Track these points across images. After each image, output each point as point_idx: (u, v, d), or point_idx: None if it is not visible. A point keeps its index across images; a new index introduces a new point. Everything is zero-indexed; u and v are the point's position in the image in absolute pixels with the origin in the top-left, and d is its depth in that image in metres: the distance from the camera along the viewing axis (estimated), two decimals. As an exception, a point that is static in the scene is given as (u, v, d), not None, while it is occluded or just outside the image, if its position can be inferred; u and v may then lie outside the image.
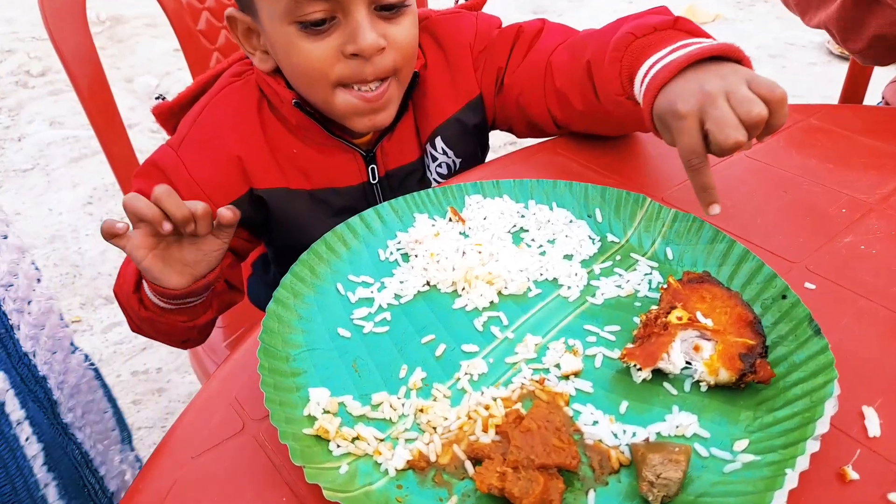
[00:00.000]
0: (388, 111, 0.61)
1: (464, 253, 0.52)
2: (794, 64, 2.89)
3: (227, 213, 0.52)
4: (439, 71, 0.68)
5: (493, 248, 0.53)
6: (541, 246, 0.54)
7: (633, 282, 0.51)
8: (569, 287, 0.50)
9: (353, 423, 0.40)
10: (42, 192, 2.23)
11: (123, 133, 0.86)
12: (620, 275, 0.52)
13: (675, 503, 0.35)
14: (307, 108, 0.61)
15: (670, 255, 0.53)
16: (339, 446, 0.39)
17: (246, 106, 0.64)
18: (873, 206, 0.59)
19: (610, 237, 0.55)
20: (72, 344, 0.61)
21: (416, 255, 0.53)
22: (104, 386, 0.64)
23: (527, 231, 0.56)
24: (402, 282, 0.51)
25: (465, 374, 0.44)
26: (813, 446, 0.36)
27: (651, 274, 0.51)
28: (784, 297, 0.46)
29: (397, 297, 0.50)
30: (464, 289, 0.50)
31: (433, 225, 0.56)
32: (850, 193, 0.61)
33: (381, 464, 0.38)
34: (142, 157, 0.91)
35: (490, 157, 0.73)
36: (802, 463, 0.35)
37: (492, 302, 0.49)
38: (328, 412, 0.41)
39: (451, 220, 0.57)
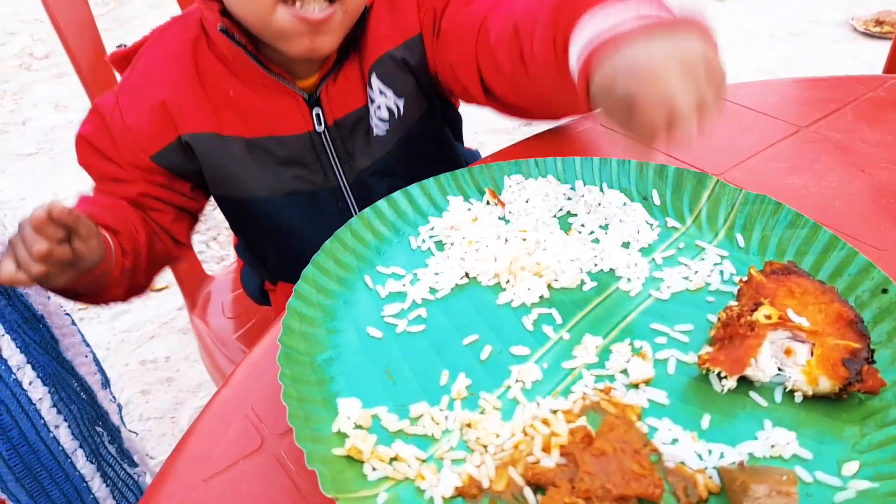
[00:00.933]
0: (330, 37, 0.54)
1: (506, 241, 0.46)
2: (815, 42, 2.80)
3: (55, 209, 0.45)
4: (383, 9, 0.61)
5: (539, 236, 0.47)
6: (592, 232, 0.48)
7: (703, 273, 0.44)
8: (629, 279, 0.44)
9: (389, 441, 0.35)
10: (46, 175, 2.19)
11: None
12: (686, 265, 0.45)
13: (781, 542, 0.29)
14: (236, 37, 0.55)
15: (741, 243, 0.46)
16: (374, 469, 0.33)
17: (180, 46, 0.59)
18: (965, 185, 0.53)
19: (670, 222, 0.49)
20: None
21: (451, 244, 0.47)
22: (79, 331, 0.64)
23: (575, 216, 0.50)
24: (437, 273, 0.45)
25: (517, 381, 0.38)
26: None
27: (721, 264, 0.45)
28: (885, 290, 0.39)
29: (433, 290, 0.44)
30: (508, 282, 0.44)
31: (469, 209, 0.49)
32: (935, 172, 0.55)
33: (424, 490, 0.32)
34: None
35: (506, 138, 0.66)
36: (939, 495, 0.29)
37: (541, 297, 0.43)
38: (360, 427, 0.35)
39: (489, 203, 0.51)
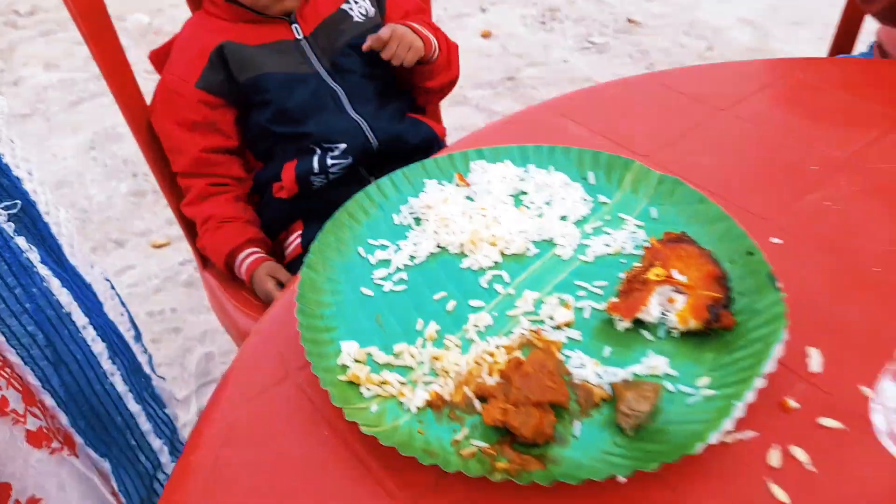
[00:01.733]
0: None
1: (470, 217, 0.59)
2: (797, -13, 2.83)
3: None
4: None
5: (497, 212, 0.59)
6: (539, 208, 0.61)
7: (620, 240, 0.57)
8: (563, 246, 0.57)
9: (379, 370, 0.48)
10: (44, 137, 2.25)
11: (130, 74, 0.91)
12: (609, 234, 0.58)
13: (646, 430, 0.43)
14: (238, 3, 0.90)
15: (655, 215, 0.59)
16: (368, 390, 0.47)
17: (197, 23, 0.94)
18: (843, 163, 0.65)
19: (601, 198, 0.61)
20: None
21: (427, 220, 0.59)
22: (117, 294, 0.78)
23: (526, 194, 0.62)
24: (415, 244, 0.58)
25: (473, 326, 0.51)
26: (760, 382, 0.44)
27: (636, 233, 0.58)
28: (750, 253, 0.53)
29: (412, 258, 0.57)
30: (471, 250, 0.57)
31: (442, 190, 0.62)
32: (824, 150, 0.67)
33: (404, 403, 0.46)
34: (146, 98, 0.96)
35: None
36: (750, 396, 0.43)
37: (495, 262, 0.56)
38: (358, 361, 0.48)
39: (458, 184, 0.63)
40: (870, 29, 1.17)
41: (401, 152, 0.93)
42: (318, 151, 0.90)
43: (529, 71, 2.46)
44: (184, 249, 1.81)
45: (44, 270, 0.57)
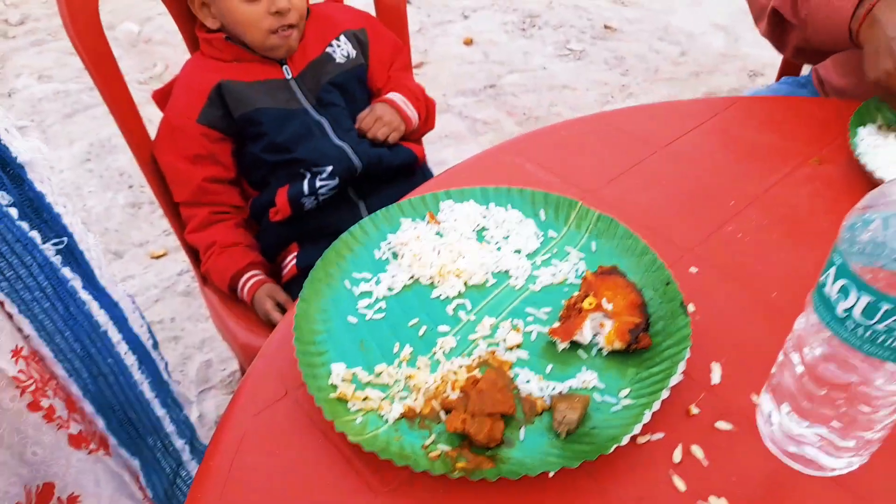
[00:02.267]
0: (293, 41, 1.03)
1: (439, 252, 0.69)
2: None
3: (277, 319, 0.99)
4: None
5: (461, 247, 0.70)
6: (498, 242, 0.71)
7: (564, 271, 0.68)
8: (516, 277, 0.68)
9: (363, 388, 0.59)
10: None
11: (124, 86, 0.99)
12: (555, 265, 0.69)
13: (576, 434, 0.54)
14: (234, 40, 1.01)
15: (594, 248, 0.70)
16: (354, 404, 0.57)
17: (199, 62, 1.04)
18: (756, 197, 0.76)
19: (551, 233, 0.72)
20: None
21: (402, 255, 0.70)
22: (137, 308, 0.87)
23: (487, 230, 0.73)
24: (393, 276, 0.68)
25: (440, 348, 0.62)
26: (665, 393, 0.55)
27: (578, 265, 0.69)
28: (668, 283, 0.64)
29: (390, 289, 0.67)
30: (439, 281, 0.68)
31: (415, 228, 0.72)
32: (743, 185, 0.78)
33: (383, 416, 0.57)
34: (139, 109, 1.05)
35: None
36: (656, 405, 0.54)
37: (459, 291, 0.67)
38: (345, 380, 0.59)
39: (429, 223, 0.73)
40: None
41: (384, 174, 1.04)
42: (308, 175, 1.00)
43: (510, 78, 2.55)
44: (180, 260, 1.90)
45: (85, 295, 0.68)
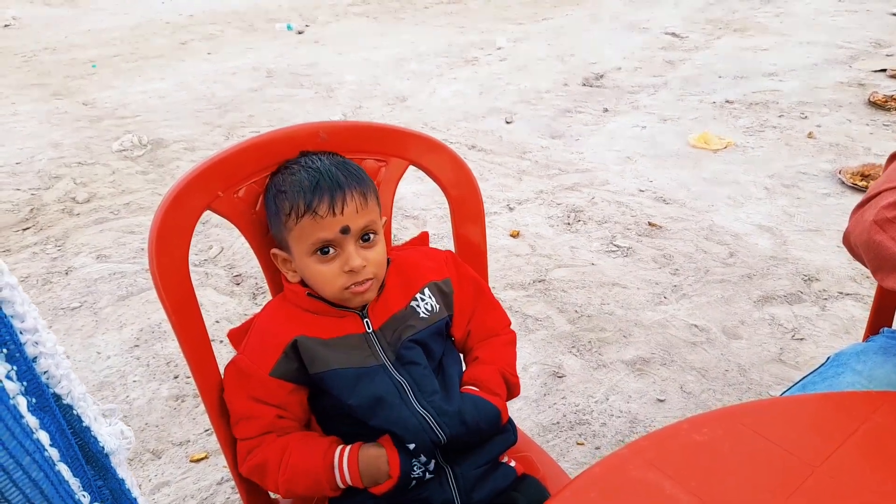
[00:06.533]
0: (370, 294, 0.95)
1: None
2: (807, 195, 3.00)
3: None
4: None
5: None
6: None
7: None
8: None
9: None
10: (90, 333, 2.29)
11: (205, 337, 0.95)
12: None
13: None
14: (315, 295, 0.95)
15: None
16: None
17: (279, 308, 0.99)
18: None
19: None
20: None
21: None
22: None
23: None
24: None
25: None
26: None
27: None
28: None
29: None
30: None
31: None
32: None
33: None
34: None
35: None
36: None
37: None
38: None
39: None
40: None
41: (470, 437, 0.95)
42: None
43: (558, 273, 2.55)
44: (221, 465, 1.78)
45: None
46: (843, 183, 3.03)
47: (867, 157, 3.30)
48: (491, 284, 1.17)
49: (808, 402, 0.85)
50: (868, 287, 2.37)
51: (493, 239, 2.74)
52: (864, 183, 2.95)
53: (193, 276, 1.03)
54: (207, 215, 0.98)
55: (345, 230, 0.89)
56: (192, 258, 2.61)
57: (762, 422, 0.80)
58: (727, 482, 0.74)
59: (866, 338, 1.24)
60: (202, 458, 1.86)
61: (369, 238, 0.92)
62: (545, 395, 2.01)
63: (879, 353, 1.12)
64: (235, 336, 1.00)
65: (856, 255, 0.99)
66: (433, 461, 0.92)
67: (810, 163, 3.30)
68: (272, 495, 1.05)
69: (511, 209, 3.01)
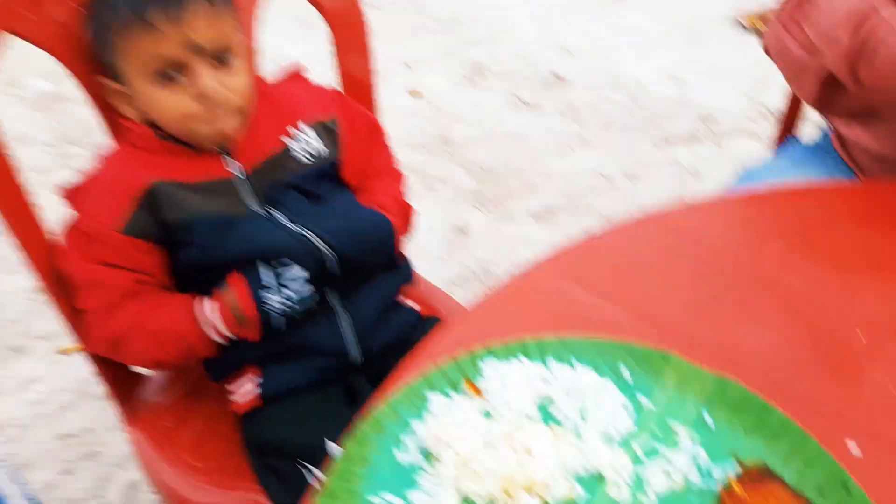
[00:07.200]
0: (224, 123, 0.78)
1: (494, 448, 0.47)
2: (708, 39, 2.96)
3: None
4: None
5: (525, 436, 0.47)
6: (573, 422, 0.49)
7: (681, 465, 0.47)
8: (615, 483, 0.46)
9: None
10: None
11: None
12: (666, 456, 0.48)
13: None
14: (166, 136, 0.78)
15: (712, 427, 0.49)
16: None
17: (126, 154, 0.80)
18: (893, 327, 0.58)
19: (643, 400, 0.51)
20: None
21: (440, 458, 0.46)
22: None
23: (553, 402, 0.51)
24: (430, 496, 0.45)
25: None
26: None
27: (696, 452, 0.48)
28: (846, 486, 0.44)
29: (431, 521, 0.44)
30: (505, 503, 0.45)
31: (451, 407, 0.49)
32: (865, 312, 0.59)
33: None
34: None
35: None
36: None
37: (538, 516, 0.44)
38: None
39: (467, 393, 0.51)
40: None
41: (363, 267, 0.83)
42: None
43: (462, 130, 2.42)
44: (96, 355, 1.59)
45: None
46: (742, 27, 3.02)
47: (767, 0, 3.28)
48: (391, 145, 1.01)
49: (732, 204, 0.75)
50: (765, 125, 2.41)
51: (392, 98, 2.52)
52: (764, 27, 2.92)
53: (47, 159, 0.78)
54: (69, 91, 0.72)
55: (194, 48, 0.72)
56: (44, 138, 2.23)
57: (688, 223, 0.70)
58: (649, 288, 0.63)
59: (776, 149, 1.20)
60: (73, 350, 1.65)
61: (227, 59, 0.76)
62: (451, 251, 1.94)
63: (790, 167, 1.07)
64: (73, 195, 0.80)
65: (779, 67, 0.95)
66: (316, 292, 0.78)
67: (711, 4, 3.25)
68: (135, 369, 0.93)
69: (409, 67, 2.77)
